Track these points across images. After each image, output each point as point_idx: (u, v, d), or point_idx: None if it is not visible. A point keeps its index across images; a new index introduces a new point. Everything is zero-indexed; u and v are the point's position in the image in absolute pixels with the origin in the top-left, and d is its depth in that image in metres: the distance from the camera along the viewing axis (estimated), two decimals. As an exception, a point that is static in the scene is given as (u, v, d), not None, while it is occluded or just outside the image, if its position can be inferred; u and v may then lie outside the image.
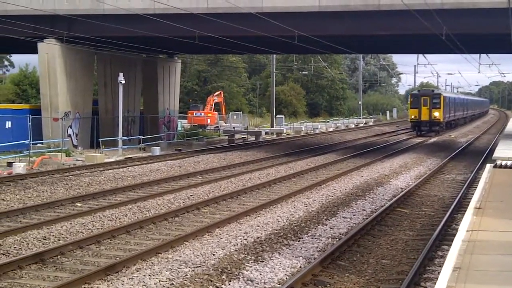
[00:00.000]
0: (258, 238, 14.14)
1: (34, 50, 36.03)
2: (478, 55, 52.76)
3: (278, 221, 16.04)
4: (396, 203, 18.71)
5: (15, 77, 65.84)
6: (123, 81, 34.06)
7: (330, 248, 13.02)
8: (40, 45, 34.77)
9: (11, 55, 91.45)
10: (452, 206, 17.61)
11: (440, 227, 14.83)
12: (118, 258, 12.34)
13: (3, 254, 12.58)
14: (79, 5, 32.39)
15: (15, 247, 13.09)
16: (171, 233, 14.83)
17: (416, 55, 72.82)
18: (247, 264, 12.05)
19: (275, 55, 60.82)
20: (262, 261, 12.29)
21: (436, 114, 51.76)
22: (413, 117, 52.75)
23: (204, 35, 30.19)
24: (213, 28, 29.83)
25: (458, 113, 66.68)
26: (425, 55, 62.00)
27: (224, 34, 30.76)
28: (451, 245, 9.77)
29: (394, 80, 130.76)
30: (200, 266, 11.77)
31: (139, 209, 17.60)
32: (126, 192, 20.72)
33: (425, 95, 52.77)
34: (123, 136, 34.81)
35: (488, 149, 37.30)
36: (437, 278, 8.42)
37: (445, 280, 7.60)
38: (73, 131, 35.98)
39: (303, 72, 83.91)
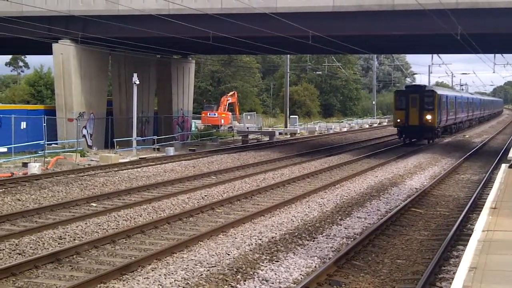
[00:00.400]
0: (272, 238, 14.14)
1: (49, 51, 36.26)
2: (493, 55, 52.43)
3: (293, 221, 16.03)
4: (411, 203, 18.64)
5: (30, 78, 66.38)
6: (138, 82, 34.19)
7: (345, 248, 13.00)
8: (55, 46, 34.98)
9: (26, 56, 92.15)
10: (467, 206, 17.52)
11: (455, 227, 14.76)
12: (133, 258, 12.38)
13: (19, 254, 12.66)
14: (94, 6, 32.56)
15: (31, 247, 13.17)
16: (186, 233, 14.86)
17: (430, 55, 72.58)
18: (262, 264, 12.05)
19: (289, 55, 60.81)
20: (277, 261, 12.29)
21: (428, 117, 40.55)
22: (398, 120, 41.39)
23: (218, 35, 30.25)
24: (227, 28, 29.88)
25: (461, 115, 55.56)
26: (439, 55, 61.74)
27: (238, 35, 30.81)
28: (466, 245, 9.75)
29: (408, 80, 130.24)
30: (215, 266, 11.79)
31: (154, 209, 17.65)
32: (141, 192, 20.79)
33: (414, 93, 41.45)
34: (137, 136, 34.95)
35: (503, 149, 37.08)
36: (452, 278, 8.40)
37: (461, 280, 7.58)
38: (87, 132, 36.18)
39: (317, 72, 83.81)
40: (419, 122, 40.72)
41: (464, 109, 57.52)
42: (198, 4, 30.09)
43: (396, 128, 43.22)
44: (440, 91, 44.36)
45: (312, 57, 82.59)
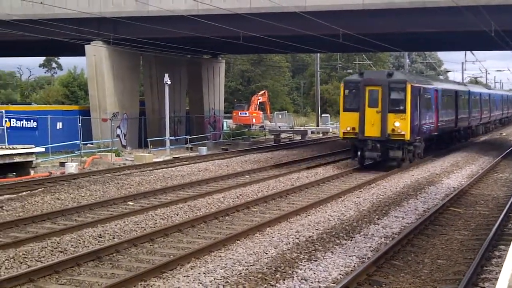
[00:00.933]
0: (310, 237, 14.10)
1: (81, 52, 36.66)
2: (528, 51, 51.41)
3: (329, 220, 15.97)
4: (449, 202, 18.45)
5: (64, 79, 67.30)
6: (169, 82, 34.39)
7: (383, 248, 12.91)
8: (87, 47, 35.34)
9: (59, 57, 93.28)
10: (508, 206, 17.26)
11: (495, 226, 14.56)
12: (172, 256, 12.45)
13: (61, 252, 12.81)
14: (124, 7, 32.80)
15: (72, 245, 13.33)
16: (223, 232, 14.90)
17: (463, 52, 71.70)
18: (301, 263, 12.03)
19: (319, 54, 60.63)
20: (316, 260, 12.25)
21: (397, 124, 25.81)
22: (348, 129, 26.64)
23: (248, 35, 30.28)
24: (256, 27, 29.89)
25: (468, 117, 39.63)
26: (473, 51, 60.82)
27: (268, 34, 30.78)
28: (508, 245, 9.61)
29: (441, 77, 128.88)
30: (253, 265, 11.80)
31: (190, 208, 17.72)
32: (176, 191, 20.90)
33: (374, 84, 26.42)
34: (170, 136, 35.17)
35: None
36: (495, 279, 8.30)
37: (505, 280, 7.48)
38: (121, 131, 36.54)
39: (348, 71, 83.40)
40: (381, 132, 25.84)
41: (473, 109, 41.51)
42: (227, 4, 30.13)
43: (345, 140, 28.13)
44: (418, 82, 28.31)
45: (342, 55, 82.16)
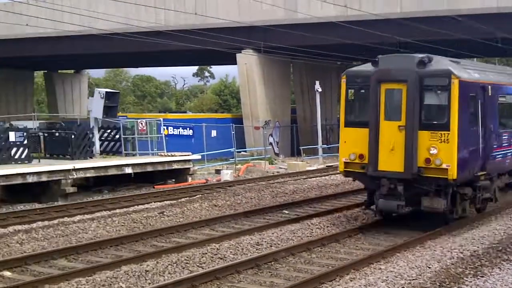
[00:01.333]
0: (475, 251, 13.34)
1: (232, 61, 37.55)
2: None
3: (495, 234, 15.04)
4: None
5: (216, 88, 69.70)
6: (320, 89, 34.32)
7: (558, 266, 11.93)
8: (238, 56, 36.17)
9: (211, 66, 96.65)
10: None
11: None
12: (330, 267, 12.27)
13: (221, 259, 13.02)
14: (273, 15, 33.20)
15: (231, 252, 13.51)
16: (381, 244, 14.49)
17: None
18: (466, 279, 11.39)
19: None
20: (482, 276, 11.56)
21: (434, 151, 14.49)
22: (352, 157, 15.48)
23: (399, 40, 29.56)
24: (408, 32, 29.18)
25: None
26: None
27: (419, 38, 29.87)
28: None
29: None
30: (416, 279, 11.32)
31: (346, 218, 17.43)
32: (331, 200, 20.69)
33: (395, 80, 14.99)
34: (322, 144, 35.09)
35: None
36: None
37: None
38: (274, 139, 37.01)
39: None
40: (406, 164, 14.85)
41: None
42: (377, 9, 29.60)
43: (346, 175, 16.62)
44: (477, 77, 16.07)
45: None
